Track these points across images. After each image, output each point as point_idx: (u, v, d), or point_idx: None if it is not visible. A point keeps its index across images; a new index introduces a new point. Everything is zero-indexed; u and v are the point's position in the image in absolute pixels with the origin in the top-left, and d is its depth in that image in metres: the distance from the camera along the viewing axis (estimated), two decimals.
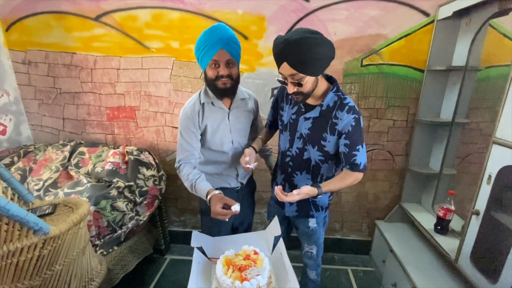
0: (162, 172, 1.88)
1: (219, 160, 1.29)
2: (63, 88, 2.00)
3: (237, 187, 1.37)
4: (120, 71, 1.93)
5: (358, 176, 1.09)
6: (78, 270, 1.14)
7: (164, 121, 2.01)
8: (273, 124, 1.32)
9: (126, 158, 1.79)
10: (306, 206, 1.23)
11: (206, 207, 1.32)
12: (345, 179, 1.08)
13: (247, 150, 1.19)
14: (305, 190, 1.01)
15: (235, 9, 1.72)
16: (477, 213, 1.18)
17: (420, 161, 1.87)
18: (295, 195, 1.00)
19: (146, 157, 1.84)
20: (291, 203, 1.24)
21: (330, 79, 1.11)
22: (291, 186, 1.23)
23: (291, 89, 0.99)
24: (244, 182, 1.40)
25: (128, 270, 1.62)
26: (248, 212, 1.46)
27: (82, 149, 1.89)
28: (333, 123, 1.06)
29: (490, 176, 1.12)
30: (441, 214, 1.53)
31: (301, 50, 0.89)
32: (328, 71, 1.14)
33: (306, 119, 1.11)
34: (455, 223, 1.55)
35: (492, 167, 1.12)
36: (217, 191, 1.11)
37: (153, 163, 1.85)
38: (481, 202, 1.17)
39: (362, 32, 1.72)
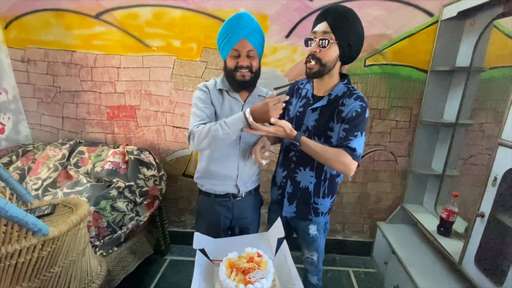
0: (162, 172, 1.86)
1: (221, 155, 1.18)
2: (62, 87, 1.98)
3: (236, 194, 1.24)
4: (121, 70, 1.90)
5: (346, 160, 0.98)
6: (77, 271, 1.12)
7: (165, 120, 1.99)
8: None
9: (126, 158, 1.77)
10: (305, 209, 1.18)
11: (202, 208, 1.27)
12: (328, 150, 1.00)
13: (261, 139, 1.16)
14: (283, 123, 0.99)
15: (238, 8, 1.71)
16: (482, 215, 1.17)
17: (423, 162, 1.86)
18: (270, 125, 0.99)
19: (146, 156, 1.82)
20: (290, 203, 1.20)
21: (343, 77, 1.13)
22: (293, 183, 1.18)
23: (314, 47, 1.02)
24: (244, 189, 1.26)
25: (129, 271, 1.60)
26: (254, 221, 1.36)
27: (82, 148, 1.87)
28: (339, 111, 1.04)
29: (495, 178, 1.11)
30: (444, 215, 1.52)
31: (344, 15, 1.00)
32: None
33: (314, 110, 1.10)
34: (458, 225, 1.54)
35: (498, 169, 1.11)
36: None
37: (154, 163, 1.83)
38: (486, 204, 1.15)
39: (365, 32, 1.67)
